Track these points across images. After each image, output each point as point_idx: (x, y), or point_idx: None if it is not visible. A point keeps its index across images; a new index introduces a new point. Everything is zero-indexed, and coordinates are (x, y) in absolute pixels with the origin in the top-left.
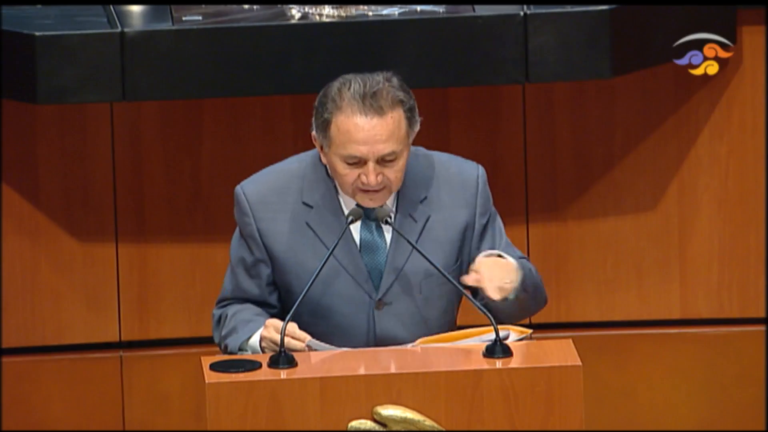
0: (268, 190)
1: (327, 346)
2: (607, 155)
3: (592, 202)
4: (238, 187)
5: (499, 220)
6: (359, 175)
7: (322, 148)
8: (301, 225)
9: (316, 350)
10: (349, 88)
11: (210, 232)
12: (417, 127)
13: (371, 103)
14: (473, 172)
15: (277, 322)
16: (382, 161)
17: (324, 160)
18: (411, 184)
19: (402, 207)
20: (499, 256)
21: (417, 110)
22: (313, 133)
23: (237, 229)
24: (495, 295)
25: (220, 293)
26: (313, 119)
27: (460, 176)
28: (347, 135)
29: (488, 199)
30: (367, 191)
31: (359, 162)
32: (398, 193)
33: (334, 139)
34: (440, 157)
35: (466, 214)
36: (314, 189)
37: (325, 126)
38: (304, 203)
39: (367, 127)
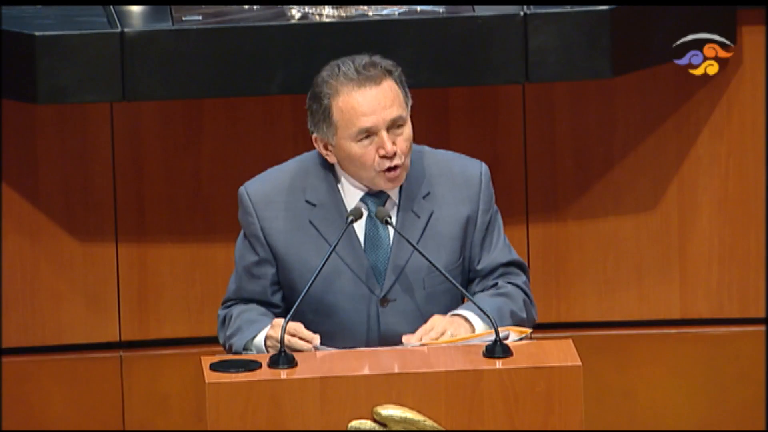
0: (272, 190)
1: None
2: (607, 155)
3: (592, 202)
4: (241, 188)
5: (499, 219)
6: (377, 150)
7: (326, 147)
8: (305, 223)
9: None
10: (339, 71)
11: (210, 232)
12: (410, 101)
13: (365, 74)
14: (476, 169)
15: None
16: (392, 128)
17: (332, 159)
18: (414, 181)
19: (405, 203)
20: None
21: (405, 83)
22: (314, 135)
23: (242, 231)
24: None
25: (225, 294)
26: (310, 118)
27: (463, 173)
28: (352, 112)
29: (491, 197)
30: (389, 170)
31: (370, 135)
32: (401, 189)
33: (339, 122)
34: (444, 155)
35: (469, 210)
36: (317, 187)
37: (326, 115)
38: (307, 201)
39: (369, 98)
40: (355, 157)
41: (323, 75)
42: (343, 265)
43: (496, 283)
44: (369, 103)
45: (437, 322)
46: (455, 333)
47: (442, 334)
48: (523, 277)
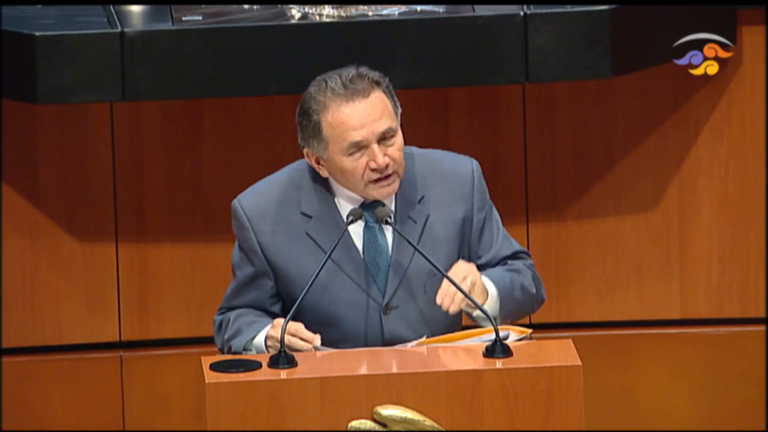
0: (266, 203)
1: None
2: (607, 155)
3: (592, 202)
4: (235, 202)
5: (495, 212)
6: (368, 163)
7: (318, 161)
8: (302, 235)
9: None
10: (326, 86)
11: (210, 233)
12: (399, 109)
13: (353, 88)
14: (467, 166)
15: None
16: (383, 140)
17: (324, 173)
18: (408, 185)
19: (401, 209)
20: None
21: (394, 92)
22: (305, 149)
23: (237, 242)
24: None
25: (222, 301)
26: (301, 134)
27: (455, 172)
28: (342, 126)
29: (485, 193)
30: (380, 180)
31: (361, 148)
32: (396, 196)
33: (329, 137)
34: (434, 155)
35: (464, 209)
36: (311, 198)
37: (316, 130)
38: (303, 213)
39: (359, 111)
40: (347, 171)
41: (311, 91)
42: (343, 275)
43: (506, 263)
44: (359, 116)
45: (459, 267)
46: (474, 280)
47: (464, 278)
48: (529, 261)
